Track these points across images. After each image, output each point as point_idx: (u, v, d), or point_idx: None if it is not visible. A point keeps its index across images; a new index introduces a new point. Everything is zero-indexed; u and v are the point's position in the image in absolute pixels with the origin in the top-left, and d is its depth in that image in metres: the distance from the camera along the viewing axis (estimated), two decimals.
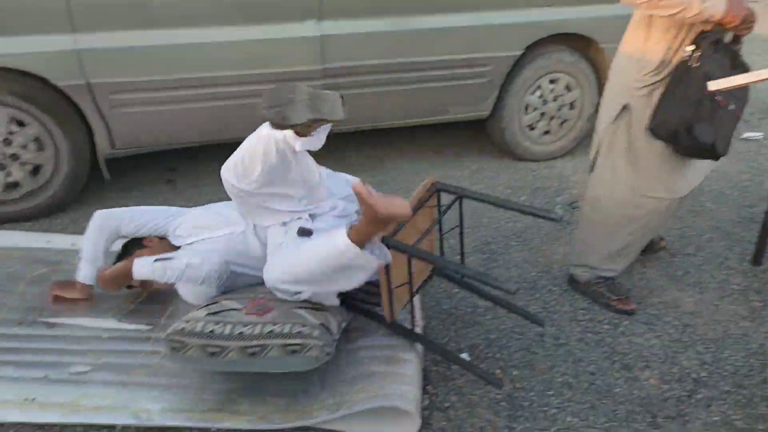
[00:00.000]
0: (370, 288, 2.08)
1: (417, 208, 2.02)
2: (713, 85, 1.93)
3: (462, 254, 2.23)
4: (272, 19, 2.93)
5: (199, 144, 3.13)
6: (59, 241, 2.67)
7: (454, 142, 4.07)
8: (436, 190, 2.11)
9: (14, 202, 2.84)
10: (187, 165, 3.57)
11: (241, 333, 1.79)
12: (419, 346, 2.07)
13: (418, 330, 2.14)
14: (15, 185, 2.84)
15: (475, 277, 1.72)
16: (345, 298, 2.06)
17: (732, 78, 1.94)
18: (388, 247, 1.83)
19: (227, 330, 1.80)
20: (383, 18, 3.11)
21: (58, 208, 2.95)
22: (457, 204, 2.12)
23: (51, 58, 2.64)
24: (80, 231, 2.45)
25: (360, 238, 1.75)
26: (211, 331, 1.80)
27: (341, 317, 2.03)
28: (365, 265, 1.79)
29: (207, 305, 1.95)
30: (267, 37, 2.93)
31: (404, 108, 3.38)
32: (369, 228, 1.74)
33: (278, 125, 1.74)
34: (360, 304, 2.14)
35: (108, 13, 2.67)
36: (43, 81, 2.68)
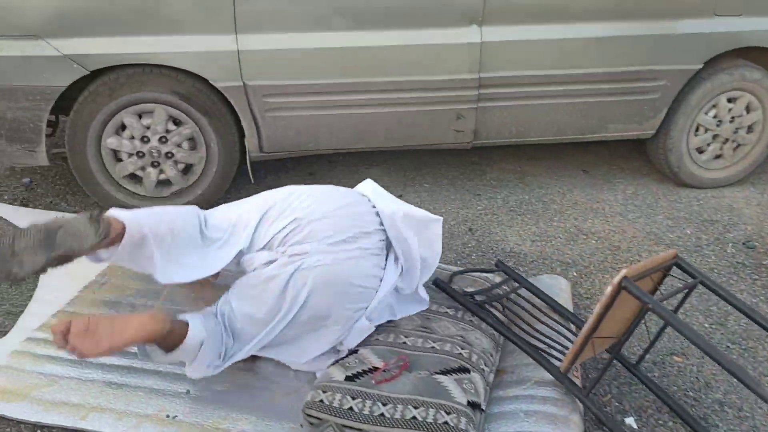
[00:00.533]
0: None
1: (653, 270, 1.78)
2: None
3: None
4: (432, 24, 2.78)
5: (344, 150, 3.04)
6: None
7: (605, 160, 3.75)
8: (673, 265, 1.86)
9: (164, 200, 2.88)
10: (326, 168, 3.51)
11: (381, 415, 1.62)
12: (580, 404, 1.85)
13: (578, 383, 1.92)
14: (167, 183, 2.88)
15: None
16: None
17: None
18: (627, 291, 1.61)
19: (366, 409, 1.63)
20: (548, 24, 2.88)
21: (202, 209, 2.96)
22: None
23: (213, 59, 2.63)
24: None
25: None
26: (350, 409, 1.64)
27: (491, 363, 1.85)
28: None
29: (344, 358, 1.84)
30: (424, 42, 2.78)
31: (559, 124, 3.12)
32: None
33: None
34: (522, 342, 1.94)
35: (270, 15, 2.63)
36: (203, 81, 2.67)
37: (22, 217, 2.83)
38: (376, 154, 3.65)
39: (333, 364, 1.81)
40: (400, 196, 3.26)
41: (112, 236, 1.67)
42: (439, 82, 2.86)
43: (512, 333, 1.99)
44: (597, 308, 1.67)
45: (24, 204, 2.99)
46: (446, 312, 2.05)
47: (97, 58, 2.57)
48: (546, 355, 1.90)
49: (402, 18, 2.75)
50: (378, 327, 1.95)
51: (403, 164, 3.61)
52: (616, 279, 1.64)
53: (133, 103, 2.68)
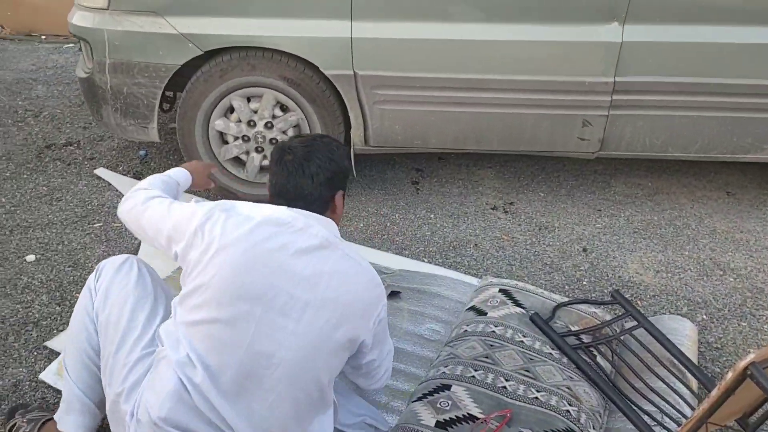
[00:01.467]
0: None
1: None
2: None
3: None
4: (565, 19, 2.49)
5: (454, 151, 2.83)
6: None
7: (755, 183, 3.26)
8: None
9: (264, 185, 2.82)
10: (434, 167, 3.32)
11: None
12: None
13: None
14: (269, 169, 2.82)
15: None
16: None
17: None
18: (754, 381, 1.32)
19: None
20: (702, 25, 2.49)
21: None
22: None
23: (325, 45, 2.51)
24: None
25: None
26: None
27: (599, 426, 1.59)
28: None
29: (434, 394, 1.64)
30: (553, 39, 2.50)
31: (704, 139, 2.72)
32: None
33: None
34: (627, 408, 1.67)
35: (387, 2, 2.46)
36: (313, 68, 2.57)
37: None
38: (490, 157, 3.40)
39: (419, 399, 1.64)
40: (511, 204, 3.01)
41: None
42: (566, 84, 2.57)
43: (617, 393, 1.72)
44: (715, 391, 1.37)
45: (137, 176, 3.05)
46: (550, 353, 1.81)
47: (212, 39, 2.53)
48: (656, 424, 1.61)
49: (531, 11, 2.48)
50: (475, 362, 1.74)
51: (518, 168, 3.34)
52: (742, 364, 1.33)
53: (243, 86, 2.63)
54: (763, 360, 1.40)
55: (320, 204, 1.46)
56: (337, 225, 1.50)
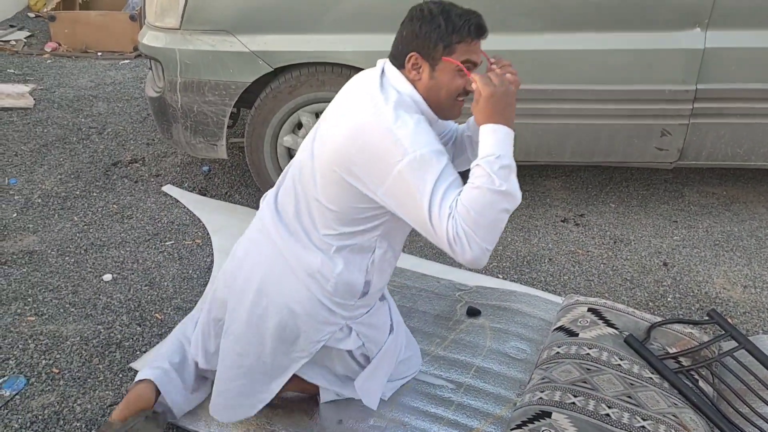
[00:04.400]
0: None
1: None
2: None
3: None
4: (643, 26, 2.41)
5: (523, 163, 2.76)
6: None
7: None
8: None
9: None
10: None
11: None
12: None
13: None
14: None
15: None
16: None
17: None
18: None
19: None
20: None
21: None
22: None
23: None
24: None
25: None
26: None
27: None
28: None
29: (534, 422, 1.57)
30: (631, 47, 2.43)
31: None
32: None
33: None
34: None
35: None
36: None
37: (201, 207, 2.90)
38: (556, 166, 3.32)
39: (518, 427, 1.58)
40: (581, 216, 2.92)
41: None
42: (646, 92, 2.49)
43: (724, 420, 1.63)
44: None
45: (202, 192, 3.06)
46: (650, 378, 1.73)
47: (282, 56, 2.52)
48: None
49: (609, 19, 2.41)
50: (573, 387, 1.67)
51: (586, 178, 3.25)
52: None
53: (312, 102, 2.61)
54: None
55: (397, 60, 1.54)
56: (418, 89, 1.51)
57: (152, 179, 3.15)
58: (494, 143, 1.40)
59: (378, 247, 1.60)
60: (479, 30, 1.49)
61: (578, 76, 2.49)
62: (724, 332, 1.94)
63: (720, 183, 3.21)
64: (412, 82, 1.51)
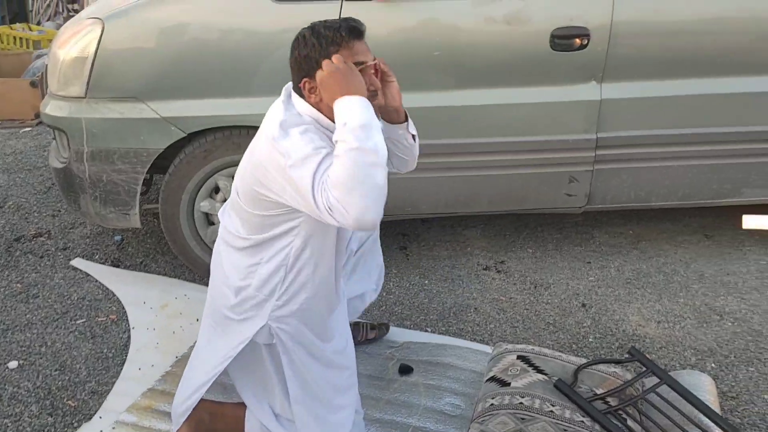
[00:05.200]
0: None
1: None
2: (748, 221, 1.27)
3: None
4: (546, 81, 2.55)
5: (444, 215, 2.83)
6: None
7: (729, 223, 3.34)
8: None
9: None
10: (420, 230, 3.30)
11: None
12: None
13: None
14: None
15: None
16: None
17: None
18: None
19: None
20: (676, 80, 2.59)
21: None
22: None
23: None
24: None
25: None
26: None
27: None
28: None
29: None
30: (537, 100, 2.56)
31: (685, 187, 2.79)
32: None
33: None
34: None
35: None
36: None
37: (115, 279, 2.76)
38: (473, 215, 3.41)
39: None
40: (502, 263, 3.00)
41: None
42: (552, 142, 2.62)
43: None
44: None
45: (115, 264, 2.92)
46: (582, 421, 1.76)
47: (195, 121, 2.48)
48: None
49: (514, 76, 2.54)
50: None
51: (502, 225, 3.35)
52: None
53: (229, 165, 2.57)
54: None
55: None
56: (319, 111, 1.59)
57: (59, 253, 2.98)
58: (341, 114, 1.48)
59: (297, 246, 1.65)
60: (352, 31, 1.56)
61: (489, 129, 2.60)
62: (645, 369, 2.01)
63: (626, 223, 3.39)
64: (315, 105, 1.60)
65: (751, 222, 1.32)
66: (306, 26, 1.60)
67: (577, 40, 2.49)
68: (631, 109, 2.61)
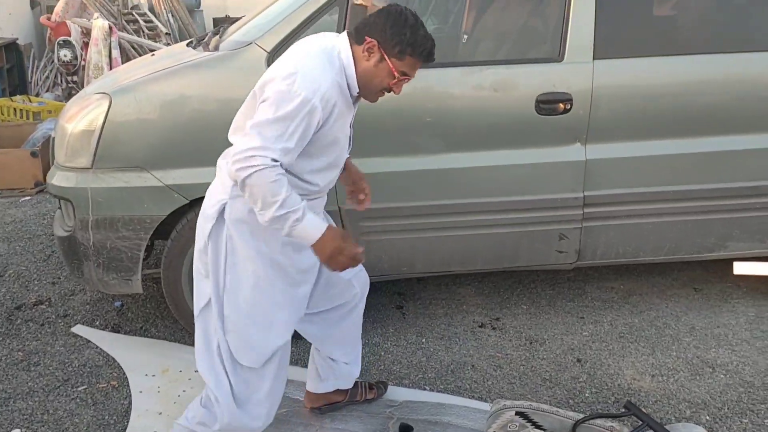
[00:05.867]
0: None
1: None
2: (739, 268, 1.34)
3: None
4: (534, 143, 2.68)
5: (439, 273, 2.90)
6: None
7: (717, 277, 3.43)
8: None
9: None
10: (416, 289, 3.36)
11: None
12: None
13: None
14: None
15: None
16: None
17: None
18: None
19: None
20: (656, 140, 2.73)
21: None
22: None
23: None
24: None
25: None
26: None
27: None
28: None
29: None
30: (526, 162, 2.68)
31: (671, 242, 2.89)
32: None
33: None
34: None
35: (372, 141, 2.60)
36: None
37: (116, 345, 2.79)
38: (468, 273, 3.48)
39: None
40: (497, 319, 3.05)
41: None
42: (542, 201, 2.72)
43: None
44: None
45: (115, 330, 2.95)
46: None
47: (197, 188, 2.56)
48: None
49: (504, 139, 2.66)
50: None
51: (497, 283, 3.42)
52: None
53: None
54: None
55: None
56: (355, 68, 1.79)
57: (60, 320, 3.01)
58: (300, 236, 1.73)
59: None
60: (429, 56, 1.80)
61: (480, 190, 2.70)
62: (641, 423, 2.05)
63: (617, 278, 3.46)
64: (357, 59, 1.78)
65: (742, 268, 1.39)
66: (416, 13, 1.79)
67: (561, 105, 2.63)
68: (616, 168, 2.73)
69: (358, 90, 1.83)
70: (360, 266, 2.08)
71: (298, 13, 2.56)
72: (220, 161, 1.95)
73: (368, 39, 1.76)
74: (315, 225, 1.72)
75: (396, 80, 1.80)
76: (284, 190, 1.66)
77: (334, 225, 1.91)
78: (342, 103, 1.78)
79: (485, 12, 3.08)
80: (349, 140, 1.95)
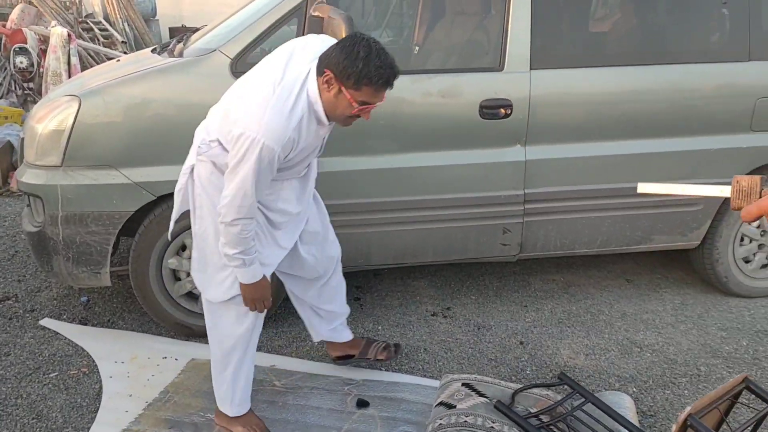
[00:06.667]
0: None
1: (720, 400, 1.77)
2: (642, 188, 1.48)
3: None
4: (479, 145, 2.92)
5: (393, 266, 3.11)
6: None
7: (647, 269, 3.75)
8: (743, 390, 1.87)
9: None
10: (373, 282, 3.56)
11: None
12: None
13: None
14: None
15: None
16: None
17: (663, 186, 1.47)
18: (694, 430, 1.60)
19: None
20: (588, 143, 3.01)
21: None
22: None
23: None
24: None
25: None
26: None
27: None
28: None
29: None
30: (473, 162, 2.92)
31: (603, 236, 3.17)
32: None
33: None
34: None
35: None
36: None
37: (84, 336, 2.90)
38: (422, 267, 3.71)
39: None
40: (448, 309, 3.28)
41: None
42: (487, 198, 2.96)
43: None
44: None
45: (83, 323, 3.06)
46: None
47: (164, 185, 2.72)
48: None
49: (451, 141, 2.90)
50: None
51: (448, 276, 3.65)
52: (681, 417, 1.63)
53: None
54: (698, 411, 1.71)
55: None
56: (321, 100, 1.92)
57: (27, 315, 3.10)
58: (237, 272, 2.07)
59: None
60: (386, 85, 1.88)
61: (430, 187, 2.92)
62: (572, 390, 2.30)
63: (558, 271, 3.74)
64: (321, 90, 1.90)
65: (645, 188, 1.52)
66: (372, 41, 1.85)
67: (502, 110, 2.89)
68: (553, 167, 2.99)
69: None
70: (329, 243, 2.47)
71: (259, 23, 2.76)
72: (198, 130, 2.18)
73: (326, 71, 1.84)
74: (255, 274, 2.06)
75: (357, 109, 1.89)
76: (249, 243, 1.99)
77: (267, 278, 2.14)
78: (310, 131, 1.96)
79: (434, 26, 3.35)
80: (321, 147, 2.17)
